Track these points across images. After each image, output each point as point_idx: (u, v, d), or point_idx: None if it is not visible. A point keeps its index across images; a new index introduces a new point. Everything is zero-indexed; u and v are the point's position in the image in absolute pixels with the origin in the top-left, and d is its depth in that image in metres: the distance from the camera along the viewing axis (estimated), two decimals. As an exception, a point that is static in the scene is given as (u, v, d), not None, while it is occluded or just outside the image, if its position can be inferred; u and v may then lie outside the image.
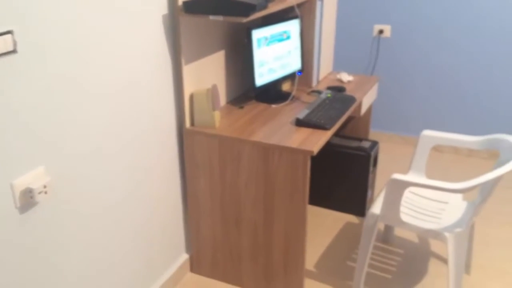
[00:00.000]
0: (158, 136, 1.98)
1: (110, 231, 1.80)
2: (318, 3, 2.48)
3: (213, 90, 2.01)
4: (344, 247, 2.56)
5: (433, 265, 2.41)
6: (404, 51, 3.45)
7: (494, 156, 3.40)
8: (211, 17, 1.84)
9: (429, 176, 2.43)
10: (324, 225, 2.75)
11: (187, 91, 2.03)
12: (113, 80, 1.69)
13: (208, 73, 2.18)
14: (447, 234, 1.91)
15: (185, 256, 2.33)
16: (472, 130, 3.43)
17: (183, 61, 1.96)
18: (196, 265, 2.34)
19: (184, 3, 1.85)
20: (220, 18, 1.84)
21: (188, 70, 2.01)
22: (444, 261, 2.43)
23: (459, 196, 2.20)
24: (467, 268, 2.29)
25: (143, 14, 1.77)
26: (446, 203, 2.16)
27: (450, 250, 1.91)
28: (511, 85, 3.22)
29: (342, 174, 2.76)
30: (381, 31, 3.47)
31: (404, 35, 3.41)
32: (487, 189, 1.93)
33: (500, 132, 3.35)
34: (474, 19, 3.17)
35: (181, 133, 2.12)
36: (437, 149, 3.58)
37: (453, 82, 3.38)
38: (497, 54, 3.19)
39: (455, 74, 3.36)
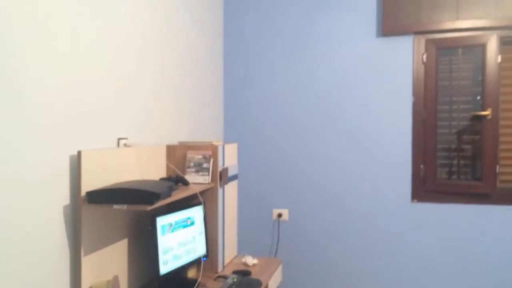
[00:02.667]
0: None
1: None
2: (220, 190, 2.62)
3: (114, 282, 1.91)
4: None
5: None
6: (301, 233, 3.64)
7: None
8: (115, 206, 1.85)
9: None
10: None
11: (85, 284, 1.89)
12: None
13: (110, 263, 2.08)
14: None
15: None
16: (375, 306, 3.50)
17: (82, 252, 1.87)
18: None
19: (87, 193, 1.85)
20: (124, 207, 1.85)
21: (87, 262, 1.91)
22: None
23: None
24: None
25: (41, 209, 1.73)
26: None
27: None
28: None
29: None
30: (280, 215, 3.67)
31: (299, 218, 3.64)
32: None
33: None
34: (362, 193, 3.53)
35: (75, 334, 1.90)
36: (347, 329, 3.53)
37: (351, 261, 3.55)
38: (380, 216, 3.49)
39: (352, 255, 3.55)
